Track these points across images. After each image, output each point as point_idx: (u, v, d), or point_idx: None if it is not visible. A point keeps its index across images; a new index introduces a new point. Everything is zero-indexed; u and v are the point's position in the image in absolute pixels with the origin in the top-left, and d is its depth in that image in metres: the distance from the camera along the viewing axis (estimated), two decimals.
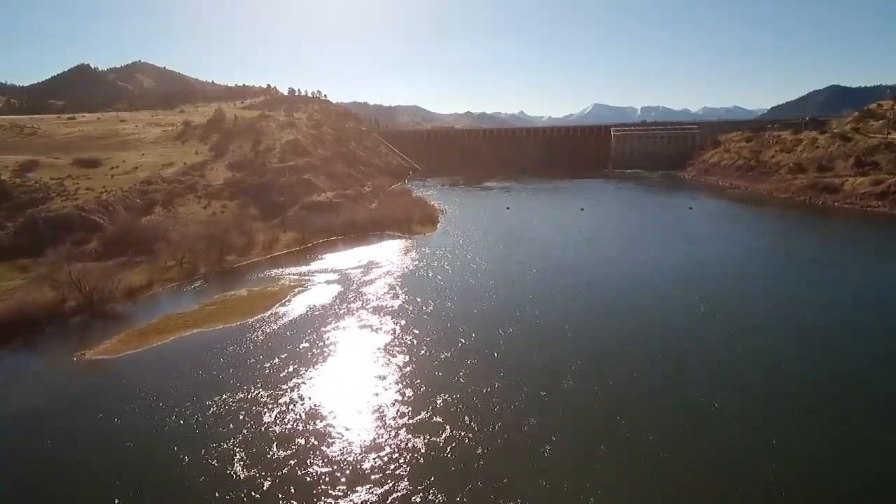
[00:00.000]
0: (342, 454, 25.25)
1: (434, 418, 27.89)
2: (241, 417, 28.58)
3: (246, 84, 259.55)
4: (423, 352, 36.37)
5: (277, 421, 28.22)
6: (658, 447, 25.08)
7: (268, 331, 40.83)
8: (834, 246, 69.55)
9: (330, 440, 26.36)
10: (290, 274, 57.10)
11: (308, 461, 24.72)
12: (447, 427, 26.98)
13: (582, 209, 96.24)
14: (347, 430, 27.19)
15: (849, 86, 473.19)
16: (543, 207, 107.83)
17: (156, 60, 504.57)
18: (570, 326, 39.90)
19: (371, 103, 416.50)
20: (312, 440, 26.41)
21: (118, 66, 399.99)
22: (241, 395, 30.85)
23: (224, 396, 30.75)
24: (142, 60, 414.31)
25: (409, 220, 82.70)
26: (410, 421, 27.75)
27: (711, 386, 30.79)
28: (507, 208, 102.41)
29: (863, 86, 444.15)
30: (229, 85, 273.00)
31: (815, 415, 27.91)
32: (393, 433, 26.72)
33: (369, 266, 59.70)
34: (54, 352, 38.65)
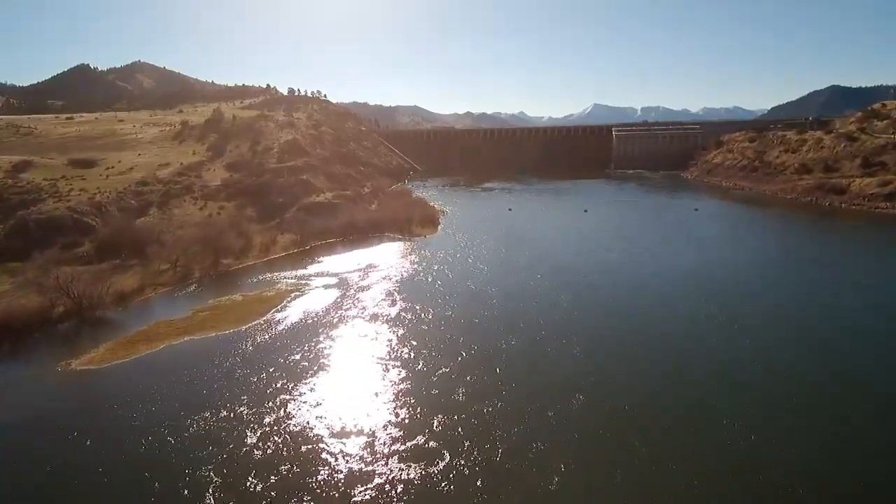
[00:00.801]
0: (327, 486, 23.28)
1: (430, 443, 25.92)
2: (222, 439, 26.70)
3: (246, 84, 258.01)
4: (419, 366, 34.55)
5: (259, 445, 26.23)
6: (677, 480, 23.27)
7: (260, 340, 39.26)
8: (843, 247, 68.38)
9: (315, 468, 24.37)
10: (286, 278, 55.64)
11: (288, 494, 22.73)
12: (445, 454, 24.98)
13: (585, 210, 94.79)
14: (335, 456, 25.19)
15: (849, 86, 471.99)
16: (546, 209, 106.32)
17: (156, 60, 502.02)
18: (577, 336, 38.24)
19: (371, 103, 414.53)
20: (295, 468, 24.40)
21: (118, 66, 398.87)
22: (225, 413, 29.07)
23: (207, 415, 28.96)
24: (142, 60, 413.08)
25: (409, 222, 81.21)
26: (404, 447, 25.74)
27: (734, 400, 29.58)
28: (510, 209, 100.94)
29: (863, 86, 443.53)
30: (229, 85, 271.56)
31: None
32: (384, 461, 24.72)
33: (368, 269, 58.23)
34: (39, 361, 37.17)
